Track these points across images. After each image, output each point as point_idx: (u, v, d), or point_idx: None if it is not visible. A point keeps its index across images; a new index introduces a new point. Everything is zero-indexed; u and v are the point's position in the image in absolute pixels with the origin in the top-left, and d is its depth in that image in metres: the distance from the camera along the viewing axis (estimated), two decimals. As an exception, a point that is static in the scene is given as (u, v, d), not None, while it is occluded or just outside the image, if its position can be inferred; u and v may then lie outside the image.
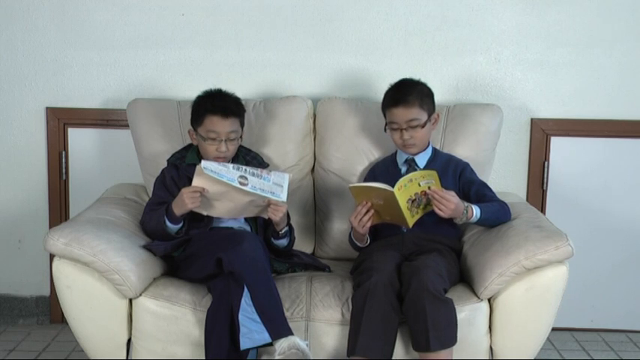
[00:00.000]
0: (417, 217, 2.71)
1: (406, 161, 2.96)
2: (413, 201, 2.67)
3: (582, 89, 3.44)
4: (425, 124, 2.87)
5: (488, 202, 2.83)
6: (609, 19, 3.40)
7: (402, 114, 2.85)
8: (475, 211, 2.74)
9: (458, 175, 2.93)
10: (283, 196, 2.72)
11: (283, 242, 2.90)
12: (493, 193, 2.90)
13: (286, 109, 3.26)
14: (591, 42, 3.41)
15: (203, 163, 2.67)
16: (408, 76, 2.98)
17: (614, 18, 3.40)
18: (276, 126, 3.22)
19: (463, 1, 3.40)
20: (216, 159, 2.83)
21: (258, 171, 2.72)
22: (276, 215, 2.74)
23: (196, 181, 2.69)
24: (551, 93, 3.45)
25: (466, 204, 2.73)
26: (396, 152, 3.02)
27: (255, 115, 3.25)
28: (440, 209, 2.67)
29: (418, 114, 2.85)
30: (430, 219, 2.75)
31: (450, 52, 3.42)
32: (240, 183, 2.66)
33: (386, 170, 3.01)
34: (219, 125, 2.83)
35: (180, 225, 2.79)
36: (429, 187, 2.68)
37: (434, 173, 2.73)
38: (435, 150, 3.01)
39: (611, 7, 3.39)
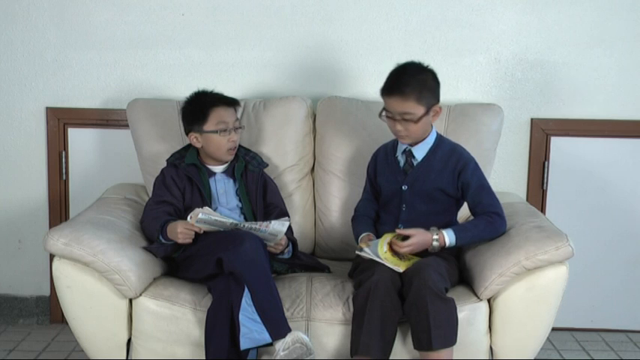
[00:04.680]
0: (408, 262, 2.67)
1: (404, 152, 2.83)
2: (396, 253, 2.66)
3: (582, 89, 3.44)
4: (420, 118, 2.66)
5: (472, 221, 2.76)
6: (609, 19, 3.39)
7: (396, 105, 2.67)
8: (449, 240, 2.67)
9: (457, 174, 2.78)
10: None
11: (285, 256, 2.91)
12: (491, 199, 2.75)
13: (286, 108, 3.26)
14: (591, 42, 3.41)
15: (204, 228, 2.70)
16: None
17: (614, 18, 3.39)
18: (275, 126, 3.22)
19: (463, 1, 3.40)
20: (230, 151, 2.89)
21: (256, 225, 2.71)
22: (277, 250, 2.81)
23: (194, 221, 2.70)
24: (551, 93, 3.44)
25: (436, 234, 2.67)
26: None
27: (255, 115, 3.25)
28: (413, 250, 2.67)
29: (413, 108, 2.65)
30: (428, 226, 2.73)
31: (450, 52, 3.41)
32: None
33: (385, 158, 2.89)
34: (227, 115, 2.89)
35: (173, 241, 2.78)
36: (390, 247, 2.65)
37: (386, 238, 2.66)
38: (438, 140, 2.81)
39: (611, 7, 3.39)
